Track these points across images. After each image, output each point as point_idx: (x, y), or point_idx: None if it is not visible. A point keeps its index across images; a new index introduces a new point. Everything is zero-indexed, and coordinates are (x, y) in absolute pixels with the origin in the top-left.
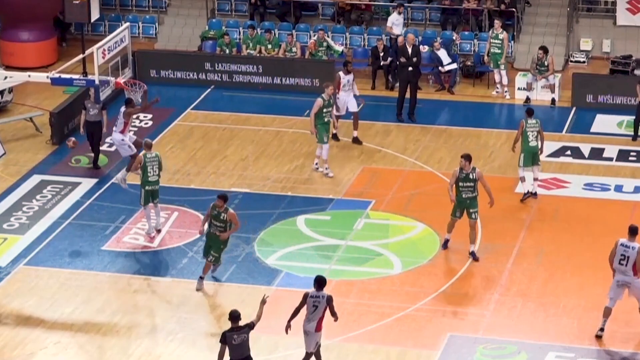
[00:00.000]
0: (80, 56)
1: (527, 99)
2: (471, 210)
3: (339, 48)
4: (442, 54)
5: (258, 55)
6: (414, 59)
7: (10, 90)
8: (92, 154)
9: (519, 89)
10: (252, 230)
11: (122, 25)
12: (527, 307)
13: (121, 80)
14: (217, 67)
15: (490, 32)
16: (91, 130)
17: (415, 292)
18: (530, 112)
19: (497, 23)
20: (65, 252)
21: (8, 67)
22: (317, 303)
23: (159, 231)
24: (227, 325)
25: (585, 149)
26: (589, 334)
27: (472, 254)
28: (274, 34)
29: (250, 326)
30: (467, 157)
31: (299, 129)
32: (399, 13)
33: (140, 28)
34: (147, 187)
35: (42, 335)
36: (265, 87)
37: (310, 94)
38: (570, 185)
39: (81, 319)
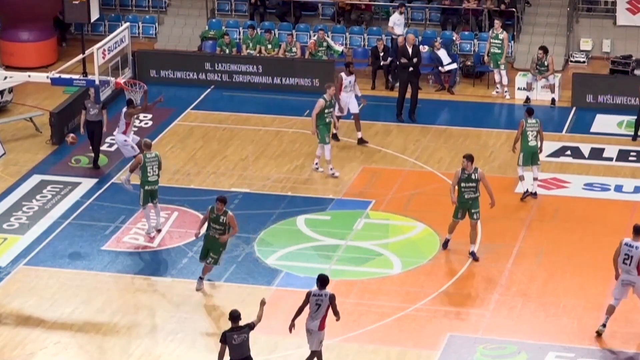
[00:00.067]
0: (80, 56)
1: (527, 99)
2: (473, 211)
3: (339, 48)
4: (442, 54)
5: (258, 55)
6: (415, 60)
7: (10, 90)
8: (92, 154)
9: (519, 89)
10: (252, 230)
11: (122, 25)
12: (527, 307)
13: (121, 80)
14: (217, 67)
15: (490, 32)
16: (92, 130)
17: (415, 292)
18: (530, 112)
19: (497, 23)
20: (65, 252)
21: (8, 67)
22: (320, 301)
23: (159, 231)
24: (227, 325)
25: (585, 149)
26: (589, 334)
27: (472, 254)
28: (274, 34)
29: (251, 326)
30: (469, 158)
31: (299, 129)
32: (401, 13)
33: (140, 28)
34: (146, 187)
35: (42, 335)
36: (265, 87)
37: (310, 94)
38: (570, 185)
39: (81, 319)
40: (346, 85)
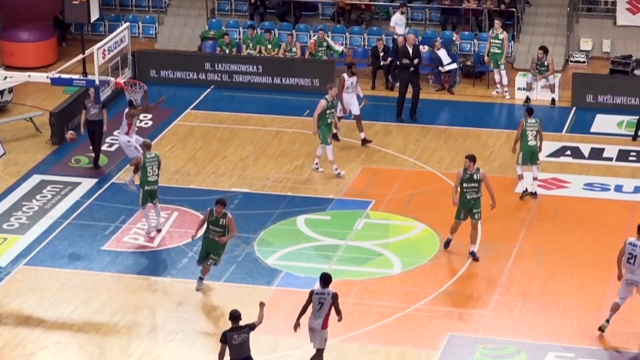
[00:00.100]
0: (80, 56)
1: (527, 99)
2: (474, 211)
3: (339, 48)
4: (442, 54)
5: (258, 55)
6: (416, 60)
7: (10, 90)
8: (92, 154)
9: (519, 89)
10: (252, 230)
11: (122, 25)
12: (527, 307)
13: (121, 80)
14: (217, 67)
15: (490, 32)
16: (92, 129)
17: (415, 292)
18: (530, 112)
19: (497, 23)
20: (65, 252)
21: (8, 67)
22: (323, 300)
23: (159, 231)
24: (228, 325)
25: (585, 149)
26: (589, 334)
27: (472, 253)
28: (274, 34)
29: (251, 327)
30: (472, 158)
31: (299, 129)
32: (402, 13)
33: (140, 28)
34: (146, 187)
35: (42, 335)
36: (265, 87)
37: (310, 94)
38: (570, 185)
39: (81, 319)
40: (348, 86)
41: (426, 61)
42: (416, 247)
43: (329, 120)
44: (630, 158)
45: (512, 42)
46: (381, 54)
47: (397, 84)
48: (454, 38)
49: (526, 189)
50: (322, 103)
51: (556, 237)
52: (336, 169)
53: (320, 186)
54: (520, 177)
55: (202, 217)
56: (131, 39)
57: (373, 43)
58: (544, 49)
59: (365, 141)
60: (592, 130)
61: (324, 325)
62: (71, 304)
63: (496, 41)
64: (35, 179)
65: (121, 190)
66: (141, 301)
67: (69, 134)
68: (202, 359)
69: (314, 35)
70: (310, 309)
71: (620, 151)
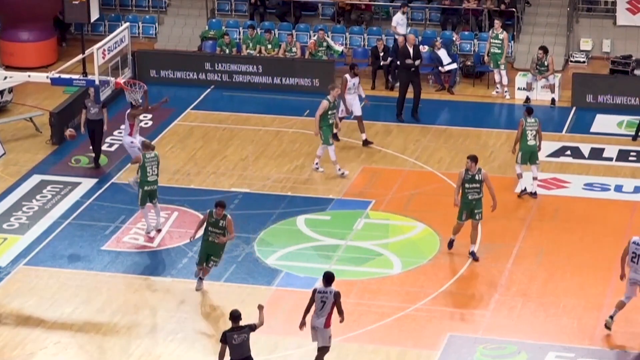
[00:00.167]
0: (80, 56)
1: (527, 99)
2: (476, 211)
3: (339, 48)
4: (442, 54)
5: (258, 55)
6: (417, 61)
7: (10, 90)
8: (92, 154)
9: (519, 89)
10: (252, 230)
11: (122, 25)
12: (527, 307)
13: (121, 80)
14: (217, 67)
15: (490, 32)
16: (92, 129)
17: (415, 292)
18: (529, 111)
19: (497, 23)
20: (65, 252)
21: (8, 67)
22: (325, 299)
23: (159, 231)
24: (228, 325)
25: (585, 149)
26: (589, 334)
27: (472, 253)
28: (274, 34)
29: (252, 327)
30: (473, 158)
31: (299, 129)
32: (403, 13)
33: (140, 28)
34: (146, 187)
35: (42, 335)
36: (265, 87)
37: (310, 94)
38: (570, 185)
39: (81, 319)
40: (350, 87)
41: (426, 61)
42: (416, 247)
43: (330, 121)
44: (630, 158)
45: (512, 42)
46: (381, 54)
47: (397, 84)
48: (454, 38)
49: (525, 188)
50: (324, 104)
51: (556, 237)
52: (339, 169)
53: (320, 186)
54: (519, 176)
55: (201, 217)
56: (131, 39)
57: (373, 43)
58: (544, 49)
59: (366, 142)
60: (592, 130)
61: (327, 324)
62: (71, 304)
63: (496, 41)
64: (35, 179)
65: (121, 190)
66: (141, 301)
67: (68, 132)
68: (202, 359)
69: (314, 35)
70: (313, 308)
71: (620, 151)
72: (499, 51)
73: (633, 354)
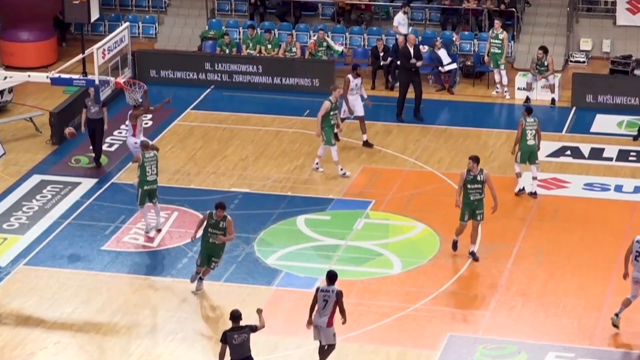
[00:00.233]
0: (80, 56)
1: (527, 99)
2: (477, 212)
3: (339, 48)
4: (442, 53)
5: (258, 55)
6: (420, 62)
7: (10, 90)
8: (92, 154)
9: (519, 89)
10: (252, 230)
11: (122, 25)
12: (527, 307)
13: (121, 80)
14: (217, 67)
15: (490, 32)
16: (93, 128)
17: (415, 292)
18: (529, 111)
19: (497, 23)
20: (65, 252)
21: (8, 67)
22: (327, 297)
23: (159, 231)
24: (228, 325)
25: (585, 149)
26: (589, 334)
27: (472, 253)
28: (274, 34)
29: (253, 328)
30: (475, 159)
31: (299, 129)
32: (405, 12)
33: (140, 28)
34: (145, 187)
35: (42, 335)
36: (265, 87)
37: (310, 94)
38: (570, 185)
39: (81, 319)
40: (353, 87)
41: (426, 61)
42: (416, 247)
43: (332, 122)
44: (630, 158)
45: (512, 42)
46: (381, 54)
47: (397, 84)
48: (454, 38)
49: (523, 188)
50: (326, 104)
51: (556, 237)
52: (341, 169)
53: (320, 186)
54: (518, 175)
55: (201, 217)
56: (131, 39)
57: (373, 43)
58: (544, 49)
59: (367, 143)
60: (592, 130)
61: (329, 324)
62: (71, 304)
63: (496, 41)
64: (35, 179)
65: (121, 190)
66: (141, 301)
67: (68, 130)
68: (202, 359)
69: (314, 35)
70: (316, 306)
71: (620, 151)
72: (499, 51)
73: (633, 354)
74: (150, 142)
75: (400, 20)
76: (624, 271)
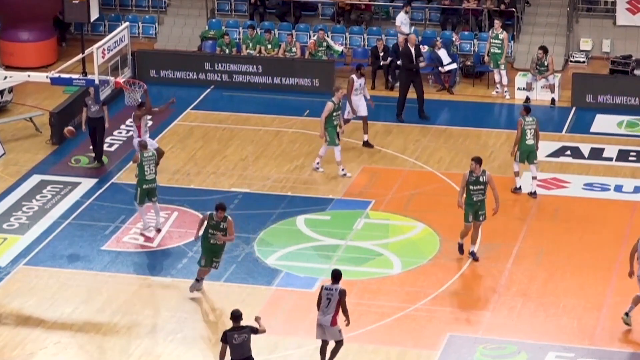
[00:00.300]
0: (80, 56)
1: (527, 99)
2: (480, 212)
3: (338, 48)
4: (442, 53)
5: (258, 55)
6: (423, 63)
7: (10, 90)
8: (92, 154)
9: (518, 89)
10: (252, 230)
11: (121, 25)
12: (527, 307)
13: (121, 80)
14: (217, 67)
15: (490, 32)
16: (93, 127)
17: (415, 292)
18: (527, 110)
19: (497, 23)
20: (65, 252)
21: (8, 67)
22: (330, 296)
23: (159, 231)
24: (228, 325)
25: (585, 149)
26: (589, 334)
27: (472, 254)
28: (274, 34)
29: (254, 330)
30: (478, 160)
31: (299, 129)
32: (406, 12)
33: (140, 28)
34: (144, 186)
35: (42, 335)
36: (265, 87)
37: (310, 94)
38: (570, 185)
39: (81, 319)
40: (357, 87)
41: (426, 61)
42: (416, 247)
43: (335, 122)
44: (630, 158)
45: (512, 42)
46: (381, 54)
47: (397, 84)
48: (454, 38)
49: (520, 186)
50: (329, 105)
51: (556, 237)
52: (342, 170)
53: (320, 186)
54: (517, 174)
55: (201, 217)
56: (131, 38)
57: (373, 43)
58: (544, 49)
59: (367, 144)
60: (592, 130)
61: (333, 322)
62: (71, 304)
63: (496, 41)
64: (35, 179)
65: (121, 190)
66: (141, 301)
67: (67, 129)
68: (202, 359)
69: (314, 35)
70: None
71: (620, 151)
72: (499, 51)
73: (633, 354)
74: (157, 146)
75: (402, 20)
76: (629, 269)
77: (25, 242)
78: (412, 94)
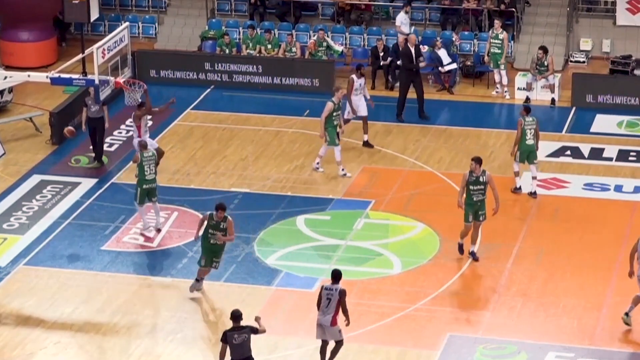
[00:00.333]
0: (80, 56)
1: (527, 99)
2: (480, 212)
3: (338, 48)
4: (442, 53)
5: (258, 55)
6: (423, 63)
7: (10, 90)
8: (92, 154)
9: (518, 89)
10: (252, 230)
11: (121, 25)
12: (527, 307)
13: (121, 80)
14: (217, 67)
15: (490, 32)
16: (93, 126)
17: (415, 292)
18: (527, 110)
19: (497, 23)
20: (65, 252)
21: (8, 67)
22: (330, 296)
23: (158, 231)
24: (228, 325)
25: (585, 149)
26: (589, 334)
27: (472, 253)
28: (274, 34)
29: (254, 330)
30: (478, 160)
31: (298, 129)
32: (406, 12)
33: (140, 28)
34: (144, 186)
35: (42, 335)
36: (265, 87)
37: (310, 94)
38: (570, 185)
39: (81, 319)
40: (357, 87)
41: (426, 61)
42: (416, 247)
43: (335, 123)
44: (630, 158)
45: (512, 42)
46: (381, 54)
47: (397, 84)
48: (454, 38)
49: (520, 186)
50: (329, 106)
51: (556, 237)
52: (342, 170)
53: (320, 186)
54: (516, 173)
55: (201, 217)
56: (131, 38)
57: (373, 43)
58: (544, 49)
59: (367, 144)
60: (592, 130)
61: (333, 322)
62: (71, 304)
63: (496, 41)
64: (35, 179)
65: (121, 190)
66: (141, 301)
67: (67, 129)
68: (202, 359)
69: (314, 35)
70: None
71: (620, 151)
72: (499, 51)
73: (633, 354)
74: (157, 146)
75: (402, 20)
76: (629, 269)
77: (25, 242)
78: (411, 94)
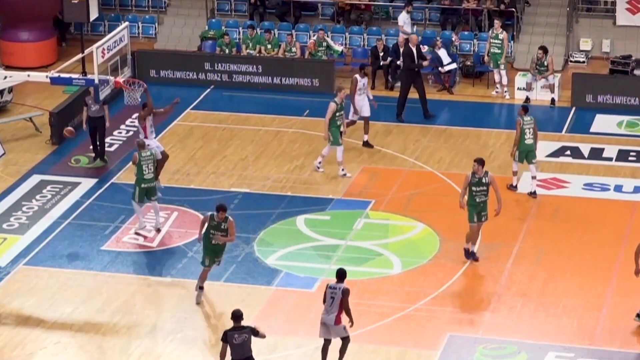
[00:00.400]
0: (80, 56)
1: (527, 99)
2: (482, 213)
3: (338, 48)
4: (442, 53)
5: (258, 55)
6: (426, 62)
7: (10, 90)
8: (92, 154)
9: (518, 89)
10: (252, 230)
11: (121, 25)
12: (527, 307)
13: (120, 79)
14: (217, 67)
15: (490, 32)
16: (94, 126)
17: (415, 292)
18: (525, 110)
19: (497, 23)
20: (65, 252)
21: (8, 67)
22: (334, 295)
23: (158, 231)
24: (228, 325)
25: (585, 149)
26: (589, 334)
27: (472, 254)
28: (274, 34)
29: (254, 331)
30: (480, 162)
31: (298, 129)
32: (408, 12)
33: (140, 28)
34: (142, 185)
35: (42, 335)
36: (265, 87)
37: (310, 94)
38: (570, 185)
39: (81, 319)
40: (360, 87)
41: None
42: (416, 247)
43: (338, 123)
44: (630, 158)
45: (512, 42)
46: (381, 54)
47: (397, 84)
48: (454, 38)
49: (516, 184)
50: (332, 106)
51: (556, 237)
52: (342, 170)
53: (320, 186)
54: (515, 173)
55: (202, 217)
56: (131, 38)
57: (373, 43)
58: (544, 49)
59: (367, 144)
60: (591, 130)
61: (337, 321)
62: (71, 304)
63: (496, 41)
64: (35, 179)
65: (121, 190)
66: (141, 301)
67: (67, 129)
68: (202, 359)
69: (314, 35)
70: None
71: (620, 151)
72: (499, 51)
73: (633, 354)
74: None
75: (404, 20)
76: (635, 267)
77: (25, 242)
78: (411, 94)
